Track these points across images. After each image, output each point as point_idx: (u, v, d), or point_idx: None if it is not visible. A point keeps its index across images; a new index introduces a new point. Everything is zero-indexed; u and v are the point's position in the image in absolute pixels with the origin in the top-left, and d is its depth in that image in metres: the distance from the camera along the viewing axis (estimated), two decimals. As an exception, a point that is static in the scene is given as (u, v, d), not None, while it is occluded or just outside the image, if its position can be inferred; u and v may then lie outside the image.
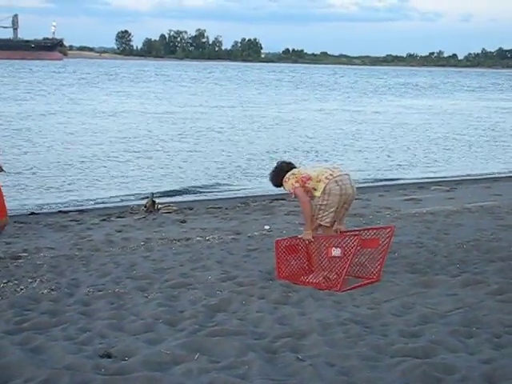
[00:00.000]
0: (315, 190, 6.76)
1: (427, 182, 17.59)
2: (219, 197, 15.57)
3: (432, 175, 19.70)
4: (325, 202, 6.72)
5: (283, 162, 7.11)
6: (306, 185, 6.78)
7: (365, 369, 4.42)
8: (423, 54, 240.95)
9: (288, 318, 5.60)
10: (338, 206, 6.75)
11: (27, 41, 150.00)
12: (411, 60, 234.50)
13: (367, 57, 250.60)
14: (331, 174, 6.79)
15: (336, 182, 6.74)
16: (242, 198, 15.11)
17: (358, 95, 60.54)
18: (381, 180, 18.63)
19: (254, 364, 4.47)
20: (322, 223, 6.84)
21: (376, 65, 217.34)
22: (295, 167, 7.03)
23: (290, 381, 4.23)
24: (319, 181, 6.76)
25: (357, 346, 4.86)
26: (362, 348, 4.79)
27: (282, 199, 13.98)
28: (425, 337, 5.03)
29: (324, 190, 6.70)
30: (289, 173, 6.90)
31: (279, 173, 6.98)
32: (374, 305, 5.97)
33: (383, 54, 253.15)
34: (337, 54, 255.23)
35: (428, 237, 9.20)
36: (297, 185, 6.77)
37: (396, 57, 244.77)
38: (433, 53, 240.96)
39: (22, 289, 6.74)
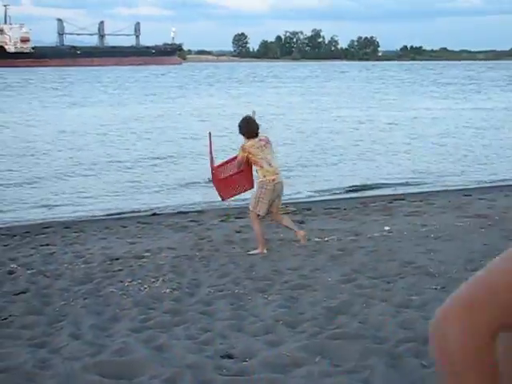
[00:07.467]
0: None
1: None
2: (337, 197, 15.38)
3: None
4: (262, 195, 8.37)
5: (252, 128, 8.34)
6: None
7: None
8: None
9: (411, 322, 5.43)
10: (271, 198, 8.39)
11: (148, 47, 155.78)
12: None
13: (491, 51, 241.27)
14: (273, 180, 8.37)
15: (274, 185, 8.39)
16: (360, 198, 14.88)
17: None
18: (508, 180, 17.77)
19: (376, 369, 4.36)
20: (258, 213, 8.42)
21: (500, 59, 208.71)
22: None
23: (415, 388, 4.08)
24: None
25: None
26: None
27: (402, 199, 13.65)
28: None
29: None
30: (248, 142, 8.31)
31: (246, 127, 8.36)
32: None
33: (508, 48, 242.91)
34: (457, 49, 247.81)
35: (560, 239, 8.67)
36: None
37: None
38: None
39: (145, 288, 6.93)
